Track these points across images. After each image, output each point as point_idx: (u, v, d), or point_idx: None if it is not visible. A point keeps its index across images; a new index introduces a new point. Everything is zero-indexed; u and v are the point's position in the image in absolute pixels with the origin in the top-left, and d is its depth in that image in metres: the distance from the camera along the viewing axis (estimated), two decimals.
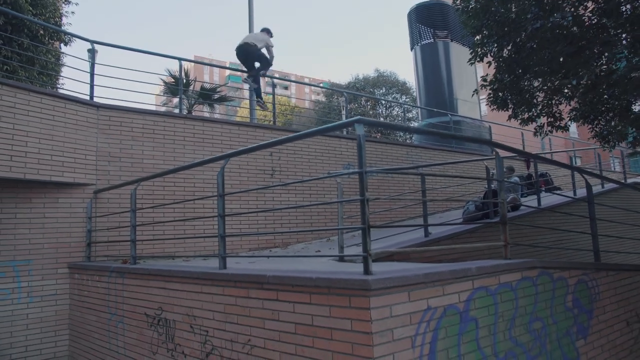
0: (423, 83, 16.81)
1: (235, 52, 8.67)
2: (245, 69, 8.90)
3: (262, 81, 9.33)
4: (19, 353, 5.91)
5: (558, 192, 10.36)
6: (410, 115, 27.70)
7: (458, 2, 7.51)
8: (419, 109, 19.37)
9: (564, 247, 7.98)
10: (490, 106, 8.43)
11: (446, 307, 3.10)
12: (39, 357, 6.04)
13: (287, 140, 3.85)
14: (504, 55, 7.65)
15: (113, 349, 5.31)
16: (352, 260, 4.87)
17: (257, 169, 7.99)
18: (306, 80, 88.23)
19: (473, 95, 10.28)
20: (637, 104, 8.18)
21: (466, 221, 7.27)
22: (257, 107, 9.42)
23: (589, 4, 7.11)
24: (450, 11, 15.63)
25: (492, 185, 7.30)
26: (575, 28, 6.78)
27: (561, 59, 6.85)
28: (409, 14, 17.19)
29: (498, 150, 4.37)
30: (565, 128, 8.34)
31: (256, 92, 8.97)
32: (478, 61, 7.87)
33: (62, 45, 11.56)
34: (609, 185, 10.97)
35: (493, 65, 7.96)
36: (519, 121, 8.45)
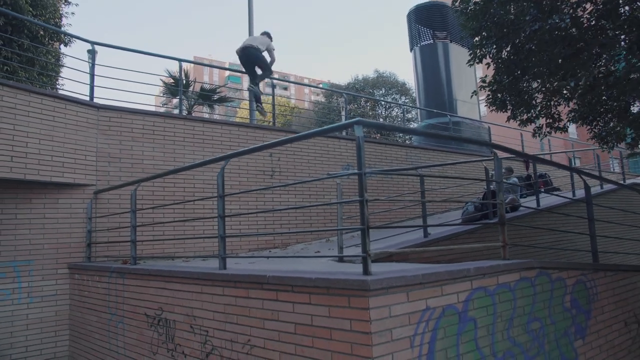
0: (422, 84, 16.84)
1: (237, 55, 8.64)
2: (245, 71, 8.88)
3: (262, 82, 9.34)
4: (19, 353, 5.93)
5: (557, 193, 10.39)
6: (409, 116, 27.73)
7: (457, 3, 7.53)
8: (418, 109, 19.38)
9: (563, 247, 8.01)
10: (489, 107, 8.46)
11: (445, 308, 3.12)
12: (39, 358, 6.06)
13: (287, 141, 3.87)
14: (503, 56, 7.68)
15: (113, 349, 5.33)
16: (352, 261, 4.89)
17: (257, 169, 8.01)
18: (306, 81, 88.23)
19: (472, 96, 10.31)
20: (635, 105, 8.22)
21: (465, 222, 7.29)
22: (257, 113, 9.39)
23: (588, 6, 7.14)
24: (449, 12, 15.66)
25: (491, 186, 7.32)
26: (573, 30, 6.81)
27: (560, 61, 6.88)
28: (408, 15, 17.22)
29: (497, 151, 4.39)
30: (564, 129, 8.38)
31: (256, 96, 8.95)
32: (477, 63, 7.90)
33: (62, 45, 11.59)
34: (607, 186, 11.00)
35: (492, 66, 7.98)
36: (518, 122, 8.47)
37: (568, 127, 8.48)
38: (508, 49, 7.54)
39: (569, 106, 8.48)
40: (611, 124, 8.30)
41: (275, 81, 9.84)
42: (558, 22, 6.08)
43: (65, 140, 6.26)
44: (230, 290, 3.71)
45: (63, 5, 11.46)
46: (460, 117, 15.35)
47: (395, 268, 3.57)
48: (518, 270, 3.82)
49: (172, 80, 13.68)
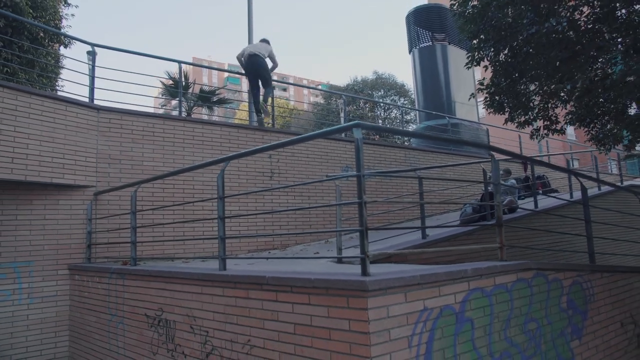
0: (421, 86, 16.90)
1: (240, 61, 8.61)
2: (248, 79, 8.79)
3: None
4: (20, 354, 5.95)
5: (554, 194, 10.44)
6: (408, 117, 27.79)
7: (455, 6, 7.59)
8: (417, 111, 19.44)
9: (561, 249, 8.06)
10: (487, 109, 8.51)
11: (442, 308, 3.16)
12: (40, 358, 6.08)
13: (287, 143, 3.91)
14: (501, 59, 7.73)
15: (113, 350, 5.36)
16: (350, 262, 4.93)
17: (256, 171, 8.05)
18: (305, 82, 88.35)
19: (470, 98, 10.37)
20: (632, 107, 8.27)
21: (463, 223, 7.34)
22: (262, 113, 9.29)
23: (585, 9, 7.19)
24: (448, 14, 15.73)
25: (489, 188, 7.37)
26: (571, 33, 6.86)
27: (557, 64, 6.93)
28: (407, 17, 17.29)
29: (494, 153, 4.44)
30: (561, 131, 8.43)
31: (264, 98, 8.84)
32: (475, 65, 7.95)
33: (62, 47, 11.62)
34: (605, 188, 11.06)
35: (490, 69, 8.04)
36: (516, 124, 8.53)
37: (565, 129, 8.54)
38: (506, 51, 7.59)
39: (566, 108, 8.54)
40: (608, 126, 8.36)
41: (274, 83, 9.87)
42: (555, 26, 6.13)
43: (65, 141, 6.29)
44: (230, 291, 3.74)
45: (63, 7, 11.49)
46: (458, 119, 15.41)
47: (393, 269, 3.60)
48: (515, 271, 3.86)
49: (171, 82, 13.72)
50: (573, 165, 26.00)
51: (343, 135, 9.96)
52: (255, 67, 8.47)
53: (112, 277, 5.50)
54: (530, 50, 7.02)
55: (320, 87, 70.47)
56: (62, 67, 11.40)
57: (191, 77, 15.19)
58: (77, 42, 8.39)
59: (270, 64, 8.75)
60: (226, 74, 77.66)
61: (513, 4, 6.75)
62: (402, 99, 32.05)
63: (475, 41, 7.71)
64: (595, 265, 5.19)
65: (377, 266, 4.32)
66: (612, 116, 7.96)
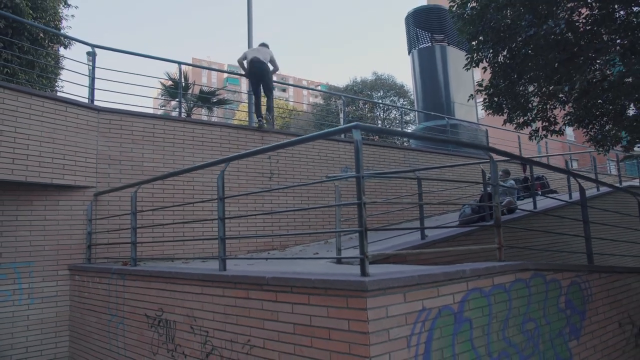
0: (420, 86, 16.94)
1: (243, 66, 8.60)
2: (250, 83, 8.76)
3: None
4: (20, 354, 5.97)
5: (553, 195, 10.47)
6: (407, 118, 27.82)
7: (454, 8, 7.62)
8: (416, 112, 19.48)
9: (559, 249, 8.08)
10: (485, 111, 8.54)
11: (441, 308, 3.19)
12: (40, 358, 6.09)
13: (286, 144, 3.93)
14: (499, 60, 7.76)
15: (113, 350, 5.38)
16: (350, 263, 4.95)
17: (256, 171, 8.07)
18: (304, 83, 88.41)
19: (469, 99, 10.40)
20: (631, 108, 8.30)
21: (462, 224, 7.36)
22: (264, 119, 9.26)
23: (583, 10, 7.22)
24: (447, 15, 15.76)
25: (488, 189, 7.39)
26: (569, 34, 6.89)
27: (555, 65, 6.96)
28: (407, 18, 17.32)
29: (493, 154, 4.46)
30: (560, 132, 8.46)
31: (268, 108, 8.82)
32: (474, 67, 7.98)
33: (61, 48, 11.63)
34: (603, 189, 11.08)
35: (489, 70, 8.07)
36: (514, 125, 8.56)
37: (564, 130, 8.56)
38: (504, 53, 7.63)
39: (564, 109, 8.57)
40: (607, 127, 8.39)
41: (273, 83, 9.89)
42: (553, 27, 6.16)
43: (65, 142, 6.31)
44: (230, 291, 3.76)
45: (63, 8, 11.51)
46: (457, 120, 15.45)
47: (392, 269, 3.62)
48: (513, 272, 3.89)
49: (170, 83, 13.75)
50: (572, 166, 26.05)
51: (342, 136, 9.99)
52: (261, 73, 8.50)
53: (113, 278, 5.51)
54: (529, 51, 7.05)
55: (319, 87, 70.51)
56: (62, 68, 11.42)
57: (191, 78, 15.23)
58: (77, 42, 8.41)
59: (271, 68, 8.78)
60: (225, 75, 77.72)
61: (511, 5, 6.78)
62: (401, 100, 32.09)
63: (474, 43, 7.74)
64: (593, 266, 5.21)
65: (376, 267, 4.34)
66: (610, 117, 7.99)
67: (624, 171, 20.51)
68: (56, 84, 11.75)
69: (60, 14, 11.23)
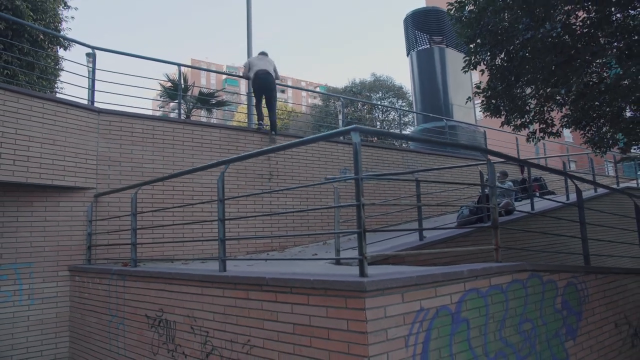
0: (419, 88, 17.00)
1: (252, 79, 8.46)
2: (255, 93, 8.68)
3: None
4: (20, 354, 6.00)
5: (550, 197, 10.52)
6: (406, 119, 27.89)
7: (452, 11, 7.67)
8: (414, 114, 19.55)
9: (556, 250, 8.13)
10: (483, 113, 8.60)
11: (438, 308, 3.23)
12: (40, 359, 6.12)
13: (286, 146, 3.98)
14: (497, 63, 7.81)
15: (113, 350, 5.41)
16: (348, 263, 4.99)
17: (255, 173, 8.11)
18: (303, 84, 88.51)
19: (467, 102, 10.46)
20: (627, 110, 8.36)
21: (460, 225, 7.41)
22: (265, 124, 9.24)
23: (580, 13, 7.28)
24: (446, 17, 15.81)
25: (486, 190, 7.44)
26: (566, 37, 6.95)
27: (552, 68, 7.02)
28: (405, 20, 17.39)
29: (490, 156, 4.51)
30: (557, 134, 8.52)
31: (271, 119, 8.74)
32: (471, 69, 8.03)
33: (61, 49, 11.67)
34: (601, 190, 11.14)
35: (486, 73, 8.12)
36: (512, 127, 8.61)
37: (561, 132, 8.62)
38: (502, 55, 7.68)
39: (562, 112, 8.62)
40: (604, 129, 8.45)
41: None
42: (550, 31, 6.22)
43: (66, 144, 6.34)
44: (230, 291, 3.80)
45: (63, 9, 11.55)
46: (456, 121, 15.51)
47: (391, 270, 3.67)
48: (510, 273, 3.93)
49: (170, 84, 13.79)
50: (570, 167, 26.13)
51: (341, 137, 10.03)
52: (266, 86, 8.45)
53: (113, 279, 5.55)
54: (527, 54, 7.11)
55: (318, 89, 70.59)
56: (62, 70, 11.45)
57: (190, 79, 15.27)
58: (76, 44, 8.44)
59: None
60: (224, 76, 77.74)
61: (509, 8, 6.84)
62: (400, 101, 32.17)
63: (472, 45, 7.80)
64: (589, 267, 5.26)
65: (375, 267, 4.38)
66: (607, 119, 8.04)
67: (621, 172, 20.59)
68: (56, 86, 11.80)
69: (60, 16, 11.28)
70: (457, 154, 12.79)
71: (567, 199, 10.07)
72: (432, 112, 15.43)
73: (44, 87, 10.37)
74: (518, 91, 8.08)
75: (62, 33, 11.29)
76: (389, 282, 2.92)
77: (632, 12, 6.99)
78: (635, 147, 8.83)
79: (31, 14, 9.62)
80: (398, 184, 10.04)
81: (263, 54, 8.85)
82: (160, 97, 15.47)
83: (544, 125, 8.47)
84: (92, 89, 7.31)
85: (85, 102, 7.16)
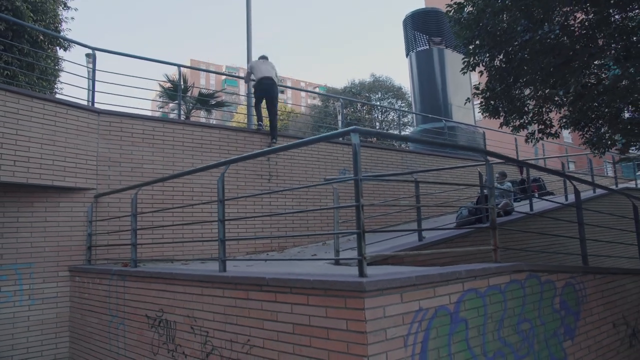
0: (418, 89, 17.03)
1: (256, 85, 8.41)
2: (258, 97, 8.63)
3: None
4: (21, 355, 6.01)
5: (549, 197, 10.55)
6: (405, 120, 27.92)
7: (451, 13, 7.70)
8: (414, 114, 19.59)
9: (555, 251, 8.16)
10: (482, 114, 8.63)
11: (437, 308, 3.25)
12: (40, 359, 6.14)
13: (286, 148, 4.01)
14: (496, 64, 7.84)
15: (114, 350, 5.43)
16: (348, 264, 5.01)
17: (255, 173, 8.13)
18: (302, 84, 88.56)
19: (466, 103, 10.50)
20: (626, 111, 8.39)
21: (459, 226, 7.44)
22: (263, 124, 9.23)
23: (579, 15, 7.31)
24: (445, 18, 15.83)
25: (485, 191, 7.46)
26: (565, 38, 6.98)
27: (551, 69, 7.05)
28: (405, 21, 17.42)
29: (489, 157, 4.53)
30: (555, 135, 8.55)
31: (272, 127, 8.71)
32: (470, 71, 8.06)
33: (61, 50, 11.69)
34: (600, 191, 11.17)
35: (485, 74, 8.15)
36: (511, 128, 8.64)
37: (559, 133, 8.64)
38: (501, 57, 7.71)
39: (560, 112, 8.65)
40: (602, 130, 8.48)
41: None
42: (548, 33, 6.24)
43: (66, 144, 6.36)
44: (230, 292, 3.82)
45: (62, 10, 11.57)
46: (455, 122, 15.53)
47: (390, 270, 3.69)
48: (508, 273, 3.96)
49: (169, 85, 13.81)
50: (569, 167, 26.18)
51: (340, 138, 10.05)
52: (271, 94, 8.47)
53: (113, 279, 5.57)
54: (526, 55, 7.13)
55: (317, 89, 70.65)
56: (62, 70, 11.47)
57: (189, 79, 15.29)
58: (76, 45, 8.45)
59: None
60: (223, 76, 77.75)
61: (508, 10, 6.86)
62: (399, 102, 32.20)
63: (470, 47, 7.82)
64: (587, 267, 5.29)
65: (374, 268, 4.40)
66: (606, 120, 8.07)
67: (620, 173, 20.64)
68: (55, 86, 11.81)
69: (60, 17, 11.29)
70: (456, 154, 12.82)
71: (566, 199, 10.10)
72: (431, 113, 15.46)
73: (44, 88, 10.38)
74: (517, 92, 8.11)
75: (62, 34, 11.31)
76: (388, 283, 2.94)
77: (630, 13, 7.02)
78: (634, 147, 8.86)
79: (31, 14, 9.63)
80: (397, 184, 10.07)
81: (264, 57, 8.79)
82: (160, 97, 15.48)
83: (543, 126, 8.50)
84: (92, 90, 7.33)
85: (85, 102, 7.18)
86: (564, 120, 8.52)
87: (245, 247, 7.84)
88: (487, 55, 7.72)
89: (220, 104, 14.39)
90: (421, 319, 3.12)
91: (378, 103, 31.06)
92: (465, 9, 7.54)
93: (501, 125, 8.78)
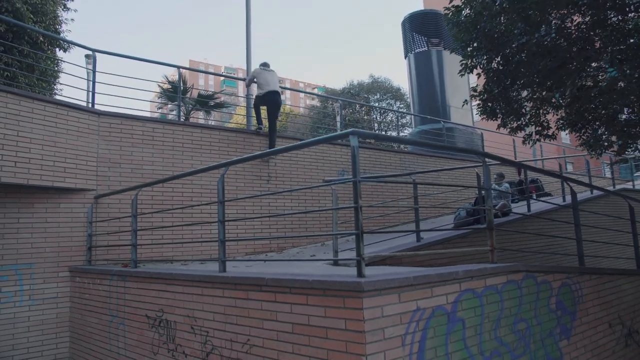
0: (417, 90, 17.08)
1: (262, 97, 8.36)
2: (263, 105, 8.60)
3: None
4: (21, 355, 6.05)
5: (546, 198, 10.61)
6: (404, 121, 27.98)
7: (449, 15, 7.75)
8: (412, 115, 19.65)
9: (552, 252, 8.21)
10: (480, 116, 8.68)
11: (434, 308, 3.30)
12: (41, 359, 6.17)
13: (285, 149, 4.05)
14: (493, 67, 7.89)
15: (114, 350, 5.46)
16: (346, 264, 5.06)
17: (254, 174, 8.17)
18: (301, 85, 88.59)
19: (463, 105, 10.55)
20: (624, 112, 8.44)
21: (456, 227, 7.50)
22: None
23: (576, 17, 7.36)
24: (443, 20, 15.91)
25: (483, 192, 7.51)
26: (562, 40, 7.03)
27: (548, 71, 7.10)
28: (403, 23, 17.47)
29: (487, 159, 4.58)
30: (553, 137, 8.60)
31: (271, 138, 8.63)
32: (468, 73, 8.12)
33: (61, 51, 11.73)
34: (597, 192, 11.22)
35: (483, 76, 8.21)
36: (508, 130, 8.70)
37: (557, 134, 8.71)
38: (498, 59, 7.76)
39: (557, 114, 8.71)
40: (599, 132, 8.54)
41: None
42: (544, 36, 6.30)
43: (67, 145, 6.40)
44: (230, 292, 3.87)
45: (62, 12, 11.60)
46: (453, 123, 15.59)
47: (388, 271, 3.74)
48: (505, 273, 4.01)
49: (168, 86, 13.85)
50: (567, 168, 26.26)
51: (339, 140, 10.09)
52: (276, 107, 8.47)
53: (113, 279, 5.60)
54: (523, 57, 7.19)
55: (316, 90, 70.69)
56: (61, 72, 11.51)
57: (188, 80, 15.34)
58: (76, 46, 8.49)
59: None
60: (222, 77, 77.69)
61: (505, 13, 6.92)
62: (398, 103, 32.27)
63: (468, 49, 7.88)
64: (583, 268, 5.33)
65: (373, 268, 4.45)
66: (602, 121, 8.13)
67: (618, 174, 20.71)
68: (54, 87, 11.84)
69: (60, 18, 11.33)
70: (455, 155, 12.87)
71: (563, 200, 10.17)
72: (429, 114, 15.51)
73: (44, 89, 10.42)
74: (514, 94, 8.16)
75: (61, 35, 11.34)
76: (386, 283, 2.99)
77: (629, 15, 7.06)
78: (630, 149, 8.92)
79: (31, 16, 9.67)
80: (396, 185, 10.12)
81: (267, 65, 8.68)
82: (159, 98, 15.51)
83: (540, 128, 8.55)
84: (92, 91, 7.37)
85: (85, 103, 7.22)
86: (561, 121, 8.58)
87: (245, 248, 7.88)
88: (485, 57, 7.78)
89: (219, 105, 14.44)
90: (419, 319, 3.17)
91: (377, 104, 31.12)
92: (463, 11, 7.60)
93: (499, 126, 8.84)
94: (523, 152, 16.88)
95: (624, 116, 8.59)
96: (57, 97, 9.48)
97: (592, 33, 7.07)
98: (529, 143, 8.84)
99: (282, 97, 8.56)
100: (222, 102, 14.75)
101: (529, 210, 8.78)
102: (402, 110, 30.26)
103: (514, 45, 7.25)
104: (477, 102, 8.56)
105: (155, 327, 4.77)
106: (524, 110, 8.44)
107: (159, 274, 4.81)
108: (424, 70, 16.82)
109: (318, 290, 3.10)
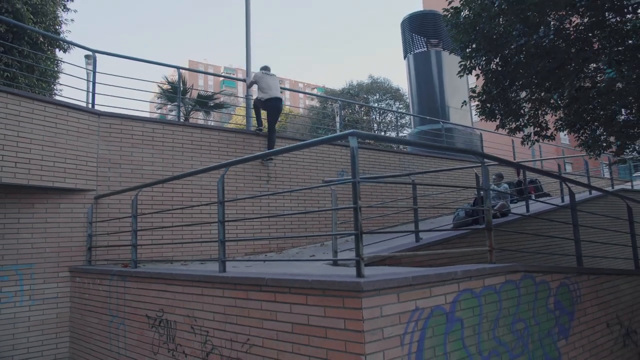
0: (416, 91, 17.11)
1: (264, 103, 8.32)
2: (264, 109, 8.54)
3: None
4: (21, 355, 6.06)
5: (545, 199, 10.64)
6: (403, 121, 28.01)
7: (449, 16, 7.78)
8: (411, 116, 19.67)
9: (551, 252, 8.24)
10: (479, 116, 8.71)
11: (433, 308, 3.32)
12: (41, 359, 6.18)
13: (285, 150, 4.08)
14: (492, 68, 7.92)
15: (114, 350, 5.48)
16: (346, 264, 5.08)
17: (253, 175, 8.19)
18: (300, 85, 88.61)
19: (462, 106, 10.58)
20: (622, 113, 8.48)
21: (455, 227, 7.52)
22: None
23: (574, 18, 7.39)
24: (442, 21, 15.93)
25: (481, 192, 7.53)
26: (560, 41, 7.06)
27: (546, 72, 7.13)
28: (402, 23, 17.50)
29: (485, 160, 4.61)
30: (551, 137, 8.64)
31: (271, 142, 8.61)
32: (467, 74, 8.15)
33: (61, 51, 11.74)
34: (595, 192, 11.25)
35: (482, 77, 8.23)
36: (507, 131, 8.73)
37: (555, 135, 8.74)
38: (497, 60, 7.79)
39: (556, 115, 8.75)
40: (597, 132, 8.57)
41: None
42: (542, 37, 6.32)
43: (67, 146, 6.42)
44: (230, 292, 3.89)
45: (62, 12, 11.62)
46: (452, 124, 15.61)
47: (387, 271, 3.76)
48: (503, 273, 4.03)
49: (167, 86, 13.87)
50: (566, 169, 26.28)
51: (339, 140, 10.11)
52: (277, 112, 8.46)
53: (114, 279, 5.62)
54: (521, 58, 7.22)
55: (316, 90, 70.74)
56: (61, 72, 11.53)
57: (187, 80, 15.36)
58: (76, 47, 8.51)
59: None
60: (222, 78, 77.69)
61: (504, 14, 6.94)
62: (397, 103, 32.31)
63: (467, 50, 7.91)
64: (581, 268, 5.36)
65: (372, 268, 4.47)
66: (601, 122, 8.16)
67: (617, 174, 20.75)
68: (54, 87, 11.86)
69: (60, 18, 11.34)
70: (454, 156, 12.89)
71: (562, 201, 10.19)
72: (428, 115, 15.54)
73: (44, 90, 10.43)
74: (513, 95, 8.19)
75: (61, 36, 11.36)
76: (385, 283, 3.01)
77: (628, 16, 7.09)
78: (629, 149, 8.96)
79: (31, 17, 9.69)
80: (395, 185, 10.14)
81: (268, 68, 8.65)
82: (159, 99, 15.53)
83: (539, 129, 8.59)
84: (92, 92, 7.38)
85: (85, 104, 7.24)
86: (560, 122, 8.61)
87: (244, 248, 7.90)
88: (484, 58, 7.80)
89: (219, 106, 14.46)
90: (417, 319, 3.19)
91: (376, 104, 31.15)
92: (462, 12, 7.63)
93: (497, 127, 8.87)
94: (522, 153, 16.91)
95: (622, 117, 8.63)
96: (57, 98, 9.51)
97: (590, 34, 7.10)
98: (527, 144, 8.87)
99: (281, 96, 8.56)
100: (221, 103, 14.75)
101: (527, 210, 8.81)
102: (401, 110, 30.31)
103: (512, 47, 7.28)
104: (476, 102, 8.59)
105: (156, 327, 4.79)
106: (522, 111, 8.47)
107: (159, 274, 4.83)
108: (423, 70, 16.85)
109: (317, 290, 3.12)
